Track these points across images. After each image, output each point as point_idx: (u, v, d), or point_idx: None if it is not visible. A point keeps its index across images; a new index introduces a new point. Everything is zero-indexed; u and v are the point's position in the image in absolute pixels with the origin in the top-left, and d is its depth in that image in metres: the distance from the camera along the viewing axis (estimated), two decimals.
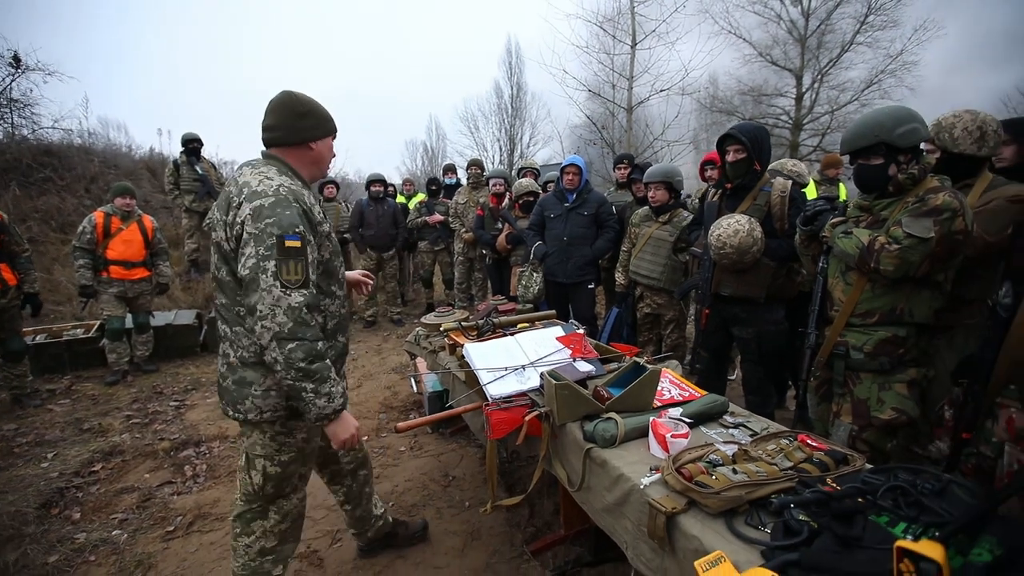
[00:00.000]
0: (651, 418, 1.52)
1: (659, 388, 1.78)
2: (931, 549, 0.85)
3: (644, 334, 3.45)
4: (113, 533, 2.37)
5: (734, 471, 1.23)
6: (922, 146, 1.82)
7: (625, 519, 1.38)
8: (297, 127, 1.54)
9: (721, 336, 2.75)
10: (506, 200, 4.81)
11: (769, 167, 2.92)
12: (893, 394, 1.80)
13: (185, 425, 3.53)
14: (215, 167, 6.86)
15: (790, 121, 14.42)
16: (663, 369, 1.96)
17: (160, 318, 4.99)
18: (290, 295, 1.37)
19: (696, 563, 0.96)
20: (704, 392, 1.81)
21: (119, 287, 4.32)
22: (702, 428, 1.61)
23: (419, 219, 5.92)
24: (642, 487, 1.31)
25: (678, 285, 3.15)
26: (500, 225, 4.73)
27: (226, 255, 1.47)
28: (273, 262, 1.37)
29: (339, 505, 2.08)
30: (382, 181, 5.80)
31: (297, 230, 1.40)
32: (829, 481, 1.20)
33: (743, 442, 1.46)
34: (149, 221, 4.51)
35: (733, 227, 2.40)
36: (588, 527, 2.07)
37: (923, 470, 1.22)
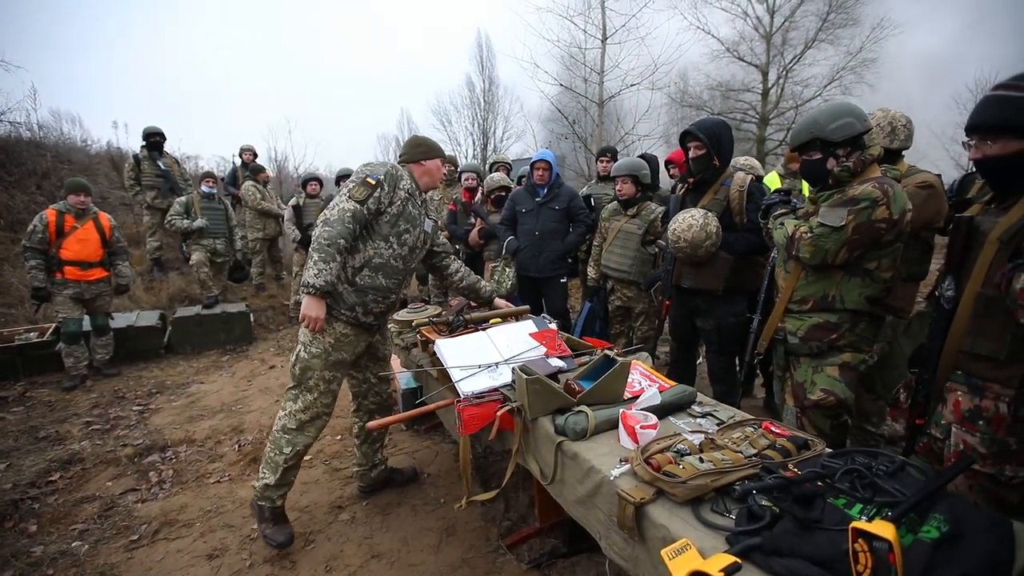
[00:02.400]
0: (621, 410, 1.54)
1: (629, 380, 1.80)
2: (883, 529, 0.89)
3: (616, 327, 3.49)
4: (73, 545, 2.28)
5: (701, 460, 1.26)
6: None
7: (597, 510, 1.40)
8: (413, 152, 2.29)
9: (688, 327, 2.81)
10: (478, 195, 4.76)
11: (743, 160, 3.01)
12: (824, 376, 1.89)
13: (149, 430, 3.41)
14: (178, 162, 6.62)
15: (757, 116, 14.76)
16: (633, 361, 1.98)
17: (120, 320, 4.81)
18: (348, 203, 1.99)
19: (662, 552, 0.98)
20: (673, 383, 1.84)
21: (75, 288, 4.14)
22: (671, 418, 1.64)
23: None
24: (612, 478, 1.33)
25: (647, 276, 3.19)
26: (472, 220, 4.67)
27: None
28: (352, 184, 2.04)
29: (354, 436, 2.54)
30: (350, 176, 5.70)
31: (380, 177, 2.05)
32: (791, 466, 1.23)
33: (710, 431, 1.49)
34: (106, 219, 4.32)
35: (687, 222, 2.46)
36: (562, 519, 2.09)
37: (879, 453, 1.27)
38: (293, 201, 5.92)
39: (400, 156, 2.31)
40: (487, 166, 6.60)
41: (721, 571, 0.88)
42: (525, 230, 3.75)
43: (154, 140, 6.19)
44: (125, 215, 7.52)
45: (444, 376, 2.07)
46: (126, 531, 2.38)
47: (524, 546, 2.15)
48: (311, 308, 1.97)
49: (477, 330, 2.30)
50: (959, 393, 1.47)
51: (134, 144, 7.68)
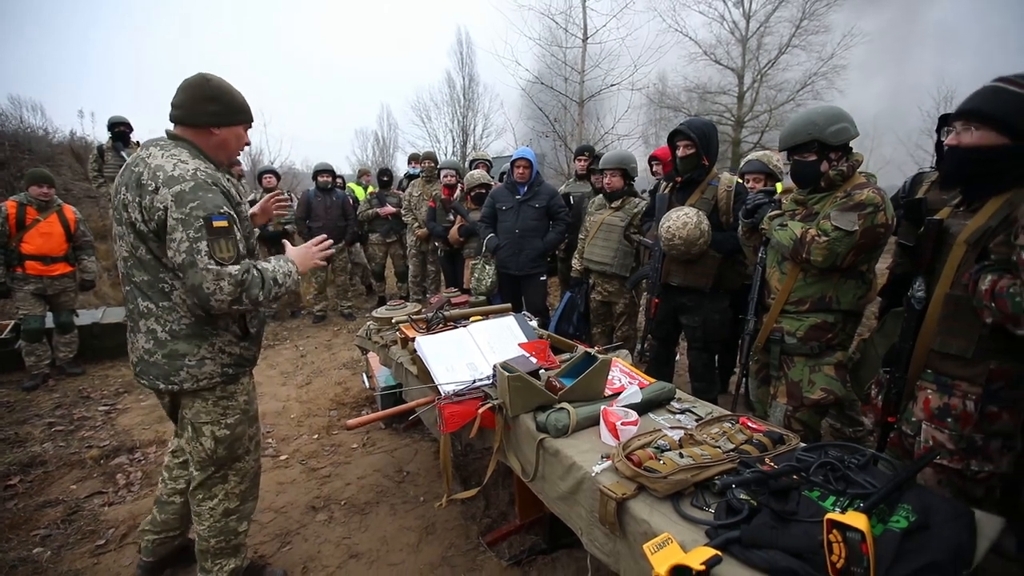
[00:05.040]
0: (602, 407, 1.55)
1: (610, 377, 1.81)
2: (856, 520, 0.92)
3: (597, 326, 3.51)
4: (35, 551, 2.19)
5: (680, 455, 1.27)
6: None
7: (579, 506, 1.41)
8: (199, 111, 1.56)
9: (670, 325, 2.84)
10: (458, 192, 4.75)
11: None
12: (822, 376, 1.93)
13: (117, 431, 3.30)
14: None
15: (732, 118, 15.04)
16: (613, 358, 1.99)
17: (85, 316, 4.63)
18: (228, 268, 1.47)
19: (644, 546, 0.99)
20: (653, 379, 1.86)
21: (37, 284, 3.96)
22: (651, 415, 1.66)
23: (370, 211, 5.76)
24: (594, 474, 1.33)
25: (629, 270, 3.21)
26: (452, 217, 4.67)
27: (144, 236, 1.50)
28: (205, 243, 1.44)
29: (169, 495, 1.93)
30: (330, 171, 5.58)
31: (222, 211, 1.47)
32: (767, 460, 1.26)
33: (689, 427, 1.51)
34: (71, 212, 4.15)
35: (682, 219, 2.48)
36: (543, 515, 2.09)
37: (850, 446, 1.31)
38: (250, 196, 5.80)
39: (175, 114, 1.56)
40: (467, 163, 6.60)
41: (702, 564, 0.89)
42: (505, 228, 3.75)
43: (120, 130, 5.96)
44: (90, 208, 7.25)
45: (424, 374, 2.05)
46: (92, 536, 2.29)
47: (504, 543, 2.15)
48: (305, 264, 1.74)
49: (457, 327, 2.28)
50: (929, 391, 1.52)
51: (101, 134, 7.38)
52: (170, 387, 1.59)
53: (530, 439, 1.60)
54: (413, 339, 2.18)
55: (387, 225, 5.76)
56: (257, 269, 1.56)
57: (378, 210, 5.71)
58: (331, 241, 1.87)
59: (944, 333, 1.47)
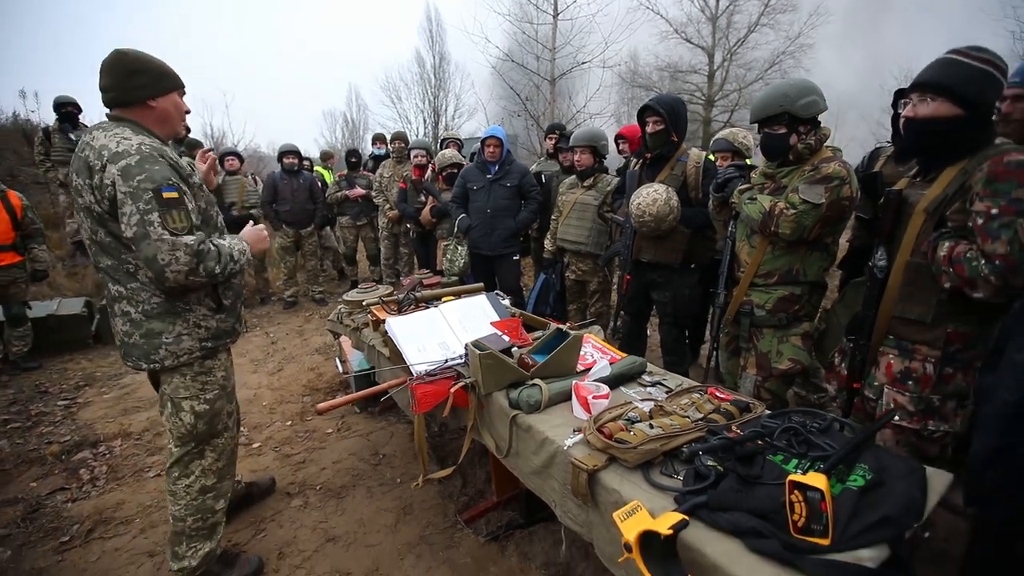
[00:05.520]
0: (573, 382, 1.56)
1: (582, 353, 1.83)
2: (816, 480, 0.95)
3: (571, 304, 3.53)
4: None
5: (651, 426, 1.30)
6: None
7: (552, 480, 1.43)
8: (128, 87, 1.53)
9: (641, 300, 2.87)
10: (429, 172, 4.69)
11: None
12: (790, 346, 1.99)
13: (78, 425, 3.18)
14: None
15: (703, 97, 15.13)
16: (586, 335, 2.01)
17: (39, 308, 4.41)
18: (183, 238, 1.46)
19: (614, 514, 1.00)
20: (625, 355, 1.88)
21: None
22: (622, 388, 1.68)
23: (339, 193, 5.63)
24: (566, 448, 1.35)
25: (603, 248, 3.22)
26: (423, 198, 4.61)
27: (101, 217, 1.49)
28: (156, 214, 1.42)
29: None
30: (296, 153, 5.39)
31: (171, 182, 1.46)
32: (734, 428, 1.29)
33: (659, 399, 1.54)
34: (16, 198, 3.92)
35: (652, 196, 2.49)
36: (519, 491, 2.12)
37: (812, 412, 1.36)
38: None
39: (108, 97, 1.53)
40: (438, 143, 6.48)
41: (670, 528, 0.91)
42: (476, 208, 3.71)
43: (67, 111, 5.63)
44: (40, 194, 6.87)
45: (396, 356, 2.03)
46: (55, 533, 2.22)
47: (482, 520, 2.17)
48: (257, 243, 1.79)
49: (429, 308, 2.26)
50: (891, 356, 1.59)
51: (47, 116, 6.97)
52: (152, 366, 1.61)
53: (503, 416, 1.61)
54: (384, 321, 2.16)
55: (357, 208, 5.64)
56: (214, 243, 1.55)
57: (347, 192, 5.57)
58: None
59: (905, 300, 1.53)
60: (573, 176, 3.45)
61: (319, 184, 5.67)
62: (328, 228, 6.18)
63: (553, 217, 3.56)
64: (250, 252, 1.72)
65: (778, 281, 1.99)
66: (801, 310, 1.98)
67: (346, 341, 3.22)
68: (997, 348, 1.25)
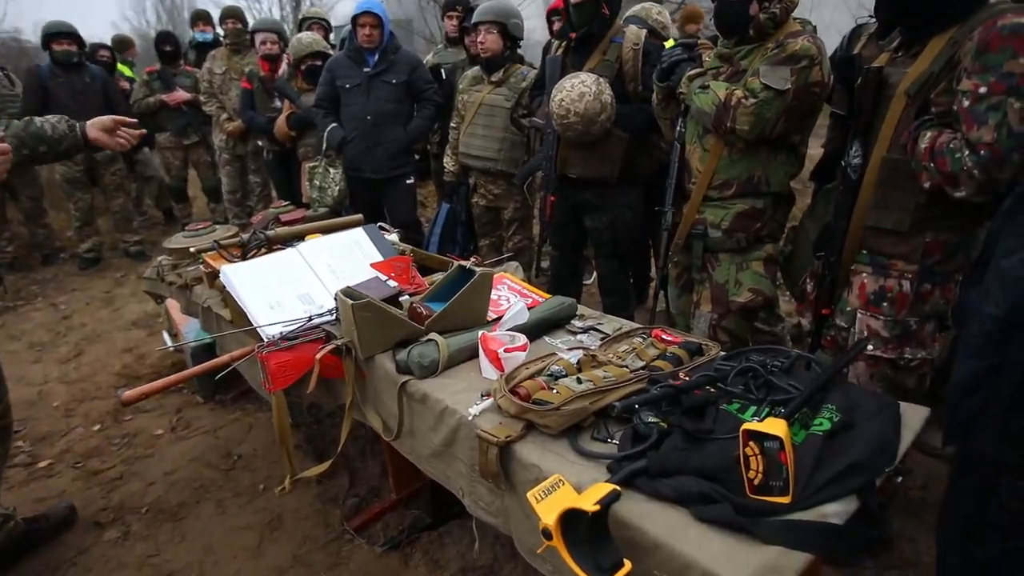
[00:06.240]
0: (481, 332, 1.55)
1: (494, 297, 1.82)
2: (774, 426, 0.98)
3: (483, 239, 3.53)
4: None
5: (578, 380, 1.30)
6: None
7: (457, 461, 1.43)
8: None
9: (571, 229, 2.90)
10: (283, 66, 4.43)
11: (628, 14, 2.99)
12: (750, 274, 2.08)
13: None
14: None
15: None
16: (499, 274, 2.00)
17: None
18: None
19: (529, 494, 1.00)
20: (549, 296, 1.89)
21: None
22: (546, 338, 1.70)
23: (151, 99, 5.18)
24: (471, 418, 1.34)
25: (519, 165, 3.20)
26: (278, 102, 4.38)
27: None
28: None
29: None
30: (73, 36, 4.71)
31: None
32: (681, 375, 1.32)
33: (592, 347, 1.56)
34: None
35: (578, 89, 2.45)
36: (425, 484, 2.14)
37: (774, 349, 1.43)
38: None
39: None
40: (296, 25, 6.04)
41: (597, 504, 0.91)
42: (352, 114, 3.58)
43: None
44: None
45: (239, 316, 1.95)
46: None
47: (378, 525, 2.18)
48: None
49: (285, 249, 2.16)
50: (864, 275, 1.71)
51: None
52: None
53: (390, 385, 1.59)
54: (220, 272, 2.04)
55: (182, 119, 5.30)
56: None
57: (164, 97, 5.19)
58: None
59: (880, 207, 1.63)
60: (477, 68, 3.37)
61: (119, 84, 5.22)
62: (146, 149, 5.68)
63: (453, 124, 3.50)
64: (82, 134, 1.67)
65: (736, 193, 2.05)
66: (763, 228, 2.07)
67: (174, 306, 3.04)
68: (983, 259, 1.35)
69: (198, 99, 5.07)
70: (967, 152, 1.40)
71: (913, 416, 1.23)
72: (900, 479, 1.11)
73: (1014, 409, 1.20)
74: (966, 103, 1.41)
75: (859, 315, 1.72)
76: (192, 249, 2.47)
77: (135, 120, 2.00)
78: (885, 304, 1.67)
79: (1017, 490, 1.26)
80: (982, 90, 1.38)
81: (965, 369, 1.27)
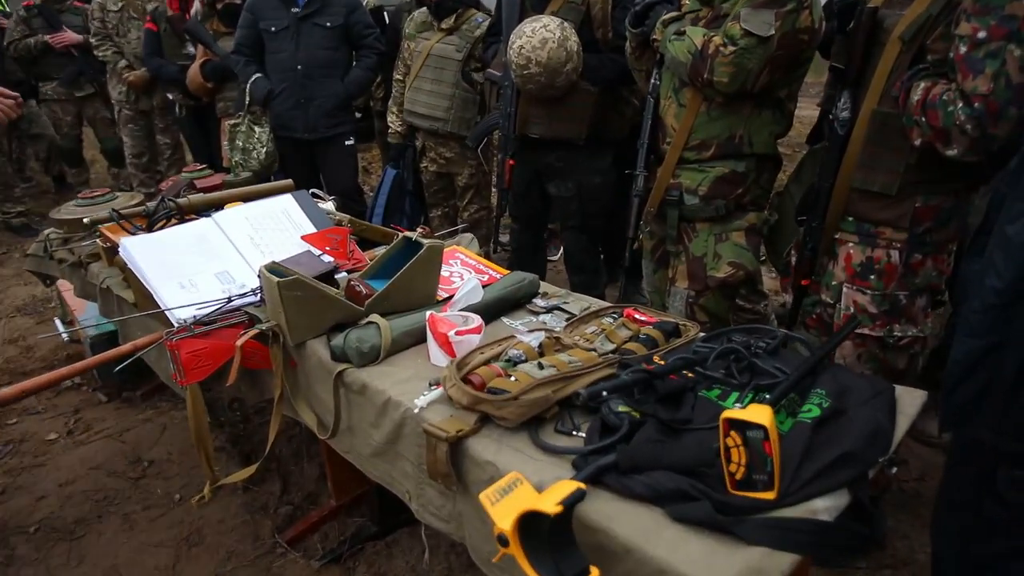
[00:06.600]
0: (429, 313, 1.54)
1: (445, 273, 1.82)
2: (757, 414, 0.99)
3: (435, 209, 3.53)
4: None
5: (540, 366, 1.30)
6: None
7: (403, 461, 1.43)
8: None
9: (534, 198, 2.92)
10: (195, 5, 4.31)
11: None
12: (730, 246, 2.12)
13: None
14: None
15: None
16: (451, 247, 2.01)
17: None
18: None
19: (482, 496, 0.99)
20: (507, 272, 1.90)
21: None
22: (504, 319, 1.71)
23: (31, 40, 5.00)
24: (417, 411, 1.34)
25: (470, 128, 3.20)
26: (191, 48, 4.31)
27: None
28: None
29: None
30: None
31: None
32: (655, 359, 1.33)
33: (556, 329, 1.56)
34: None
35: (540, 35, 2.44)
36: (368, 488, 2.14)
37: (759, 328, 1.45)
38: None
39: None
40: None
41: (559, 504, 0.91)
42: (280, 62, 3.54)
43: None
44: None
45: (145, 297, 1.92)
46: None
47: (315, 536, 2.19)
48: None
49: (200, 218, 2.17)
50: (850, 245, 1.76)
51: None
52: None
53: (324, 375, 1.59)
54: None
55: (73, 66, 5.12)
56: None
57: (48, 38, 4.99)
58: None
59: (867, 167, 1.68)
60: (424, 10, 3.34)
61: None
62: (32, 102, 5.47)
63: (398, 76, 3.48)
64: None
65: (715, 154, 2.07)
66: (746, 195, 2.09)
67: (67, 288, 3.04)
68: (985, 227, 1.39)
69: (89, 42, 4.89)
70: (960, 104, 1.43)
71: (909, 401, 1.26)
72: (895, 470, 1.14)
73: (1016, 392, 1.24)
74: (963, 49, 1.44)
75: (845, 289, 1.77)
76: (86, 220, 2.41)
77: (15, 95, 1.88)
78: (872, 276, 1.72)
79: (1017, 480, 1.30)
80: (981, 35, 1.41)
81: (964, 348, 1.31)
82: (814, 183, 1.79)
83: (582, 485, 0.96)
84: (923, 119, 1.49)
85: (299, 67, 3.48)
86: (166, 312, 1.80)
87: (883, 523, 1.72)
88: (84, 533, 2.26)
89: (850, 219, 1.75)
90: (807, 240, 1.81)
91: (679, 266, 2.21)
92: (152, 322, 1.92)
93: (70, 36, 4.99)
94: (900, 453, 1.19)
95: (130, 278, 2.03)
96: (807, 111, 2.32)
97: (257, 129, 3.59)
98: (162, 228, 2.21)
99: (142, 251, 1.91)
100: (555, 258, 4.07)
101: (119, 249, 2.02)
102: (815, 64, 2.13)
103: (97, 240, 2.36)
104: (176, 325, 1.73)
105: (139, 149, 5.07)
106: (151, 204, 2.44)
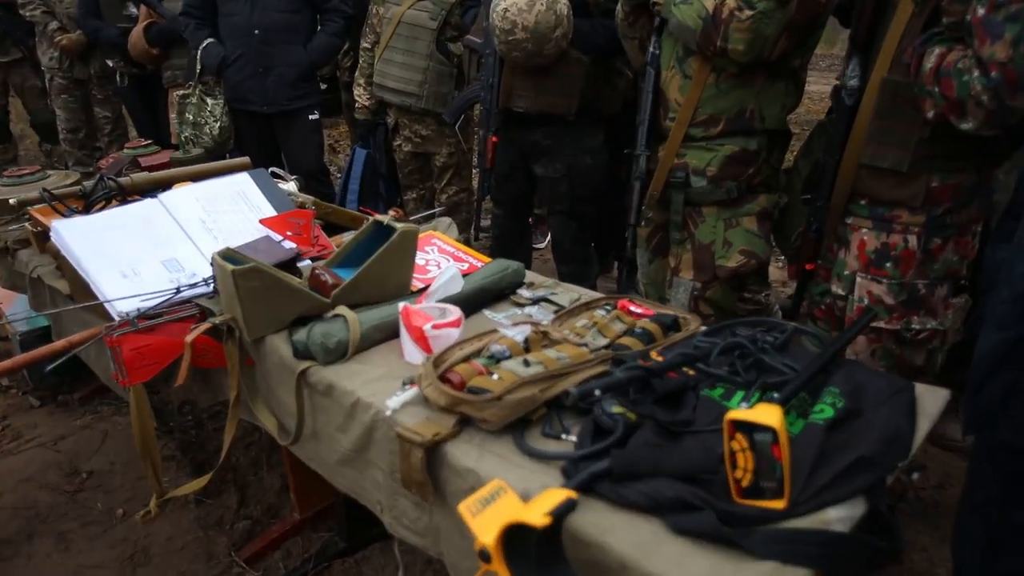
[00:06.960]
0: (402, 305, 1.54)
1: (420, 261, 1.82)
2: (766, 415, 0.99)
3: (410, 192, 3.54)
4: None
5: (526, 363, 1.30)
6: None
7: (373, 469, 1.42)
8: None
9: (519, 180, 2.92)
10: None
11: None
12: (741, 232, 2.12)
13: None
14: None
15: None
16: (427, 232, 2.00)
17: None
18: None
19: (461, 506, 0.98)
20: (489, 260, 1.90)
21: None
22: (486, 312, 1.71)
23: None
24: (390, 413, 1.32)
25: (446, 104, 3.21)
26: (133, 9, 4.28)
27: None
28: None
29: None
30: None
31: None
32: (653, 355, 1.33)
33: (543, 322, 1.56)
34: None
35: None
36: (336, 500, 2.15)
37: (766, 321, 1.46)
38: None
39: None
40: None
41: (547, 515, 0.90)
42: (234, 26, 3.55)
43: None
44: None
45: (81, 288, 1.92)
46: None
47: (277, 553, 2.20)
48: None
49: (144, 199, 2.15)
50: (864, 232, 1.76)
51: None
52: None
53: (286, 374, 1.58)
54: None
55: None
56: None
57: None
58: None
59: (877, 141, 1.68)
60: None
61: None
62: None
63: (367, 44, 3.48)
64: None
65: (725, 131, 2.07)
66: (757, 175, 2.10)
67: None
68: (1014, 209, 1.40)
69: (16, 2, 4.84)
70: (976, 73, 1.42)
71: (930, 400, 1.27)
72: (916, 476, 1.15)
73: None
74: (981, 11, 1.42)
75: (858, 279, 1.78)
76: (13, 201, 2.41)
77: None
78: (888, 264, 1.73)
79: None
80: None
81: (991, 342, 1.32)
82: (819, 158, 1.80)
83: (573, 494, 0.95)
84: (936, 89, 1.48)
85: (256, 31, 3.47)
86: (105, 304, 1.79)
87: (901, 535, 1.73)
88: (12, 555, 2.25)
89: (863, 203, 1.75)
90: (812, 221, 1.82)
91: (683, 255, 2.21)
92: (90, 316, 1.92)
93: None
94: (917, 458, 1.20)
95: (64, 266, 2.02)
96: (815, 86, 2.34)
97: (210, 101, 3.58)
98: (101, 210, 2.19)
99: (78, 236, 1.90)
100: (541, 246, 4.08)
101: (51, 234, 2.00)
102: (825, 34, 2.14)
103: (26, 224, 2.37)
104: (117, 319, 1.72)
105: (74, 123, 5.05)
106: (88, 184, 2.43)
